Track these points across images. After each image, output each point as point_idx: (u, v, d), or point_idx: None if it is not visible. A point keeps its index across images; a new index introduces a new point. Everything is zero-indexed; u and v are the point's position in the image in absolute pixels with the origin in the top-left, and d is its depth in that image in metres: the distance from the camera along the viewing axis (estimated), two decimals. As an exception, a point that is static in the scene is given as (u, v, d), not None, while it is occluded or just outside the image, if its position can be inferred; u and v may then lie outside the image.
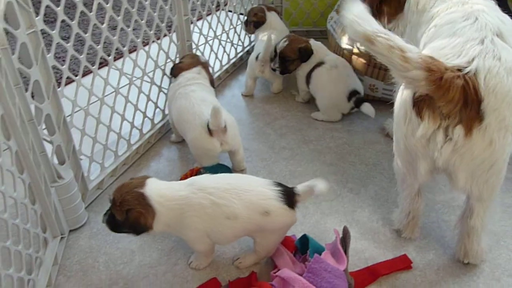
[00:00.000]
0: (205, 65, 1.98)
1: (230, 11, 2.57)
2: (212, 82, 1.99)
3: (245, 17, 2.55)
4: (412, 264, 1.42)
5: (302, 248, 1.43)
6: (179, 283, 1.40)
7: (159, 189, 1.33)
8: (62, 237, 1.54)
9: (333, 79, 2.08)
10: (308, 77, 2.15)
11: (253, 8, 2.51)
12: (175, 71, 1.94)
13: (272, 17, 2.48)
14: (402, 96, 1.24)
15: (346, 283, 1.23)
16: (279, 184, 1.35)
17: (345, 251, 1.33)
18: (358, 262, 1.43)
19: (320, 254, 1.30)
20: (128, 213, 1.28)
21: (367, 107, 2.03)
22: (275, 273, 1.32)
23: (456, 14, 1.30)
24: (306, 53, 2.14)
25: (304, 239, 1.43)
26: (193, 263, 1.44)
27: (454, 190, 1.27)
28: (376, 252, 1.47)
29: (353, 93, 2.06)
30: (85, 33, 1.54)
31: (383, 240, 1.51)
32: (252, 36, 2.82)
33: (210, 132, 1.64)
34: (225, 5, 2.58)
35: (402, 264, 1.42)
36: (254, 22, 2.47)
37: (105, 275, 1.44)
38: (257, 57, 2.26)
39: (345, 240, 1.37)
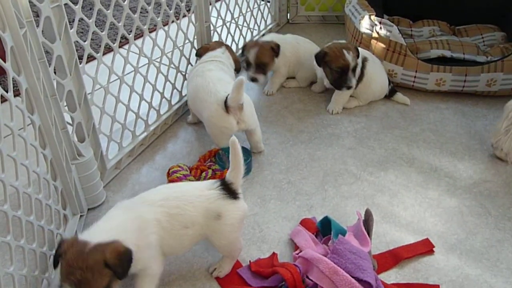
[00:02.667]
0: (229, 47, 2.00)
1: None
2: (237, 62, 1.99)
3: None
4: (434, 249, 1.41)
5: (324, 230, 1.42)
6: (199, 263, 1.39)
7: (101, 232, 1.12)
8: (81, 215, 1.53)
9: (380, 71, 2.09)
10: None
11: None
12: (201, 51, 1.95)
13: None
14: None
15: (371, 264, 1.22)
16: (216, 181, 1.28)
17: (368, 234, 1.32)
18: (379, 246, 1.42)
19: (343, 236, 1.29)
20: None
21: (400, 97, 2.12)
22: (297, 254, 1.31)
23: None
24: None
25: (326, 221, 1.42)
26: None
27: None
28: (397, 235, 1.46)
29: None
30: (107, 10, 1.52)
31: (404, 224, 1.50)
32: (268, 19, 2.80)
33: (226, 109, 1.63)
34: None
35: (424, 248, 1.40)
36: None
37: (125, 253, 1.43)
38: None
39: (367, 222, 1.36)
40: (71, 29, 1.36)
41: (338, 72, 1.93)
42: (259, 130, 1.78)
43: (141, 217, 1.17)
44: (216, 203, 1.24)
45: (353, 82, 1.95)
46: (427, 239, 1.43)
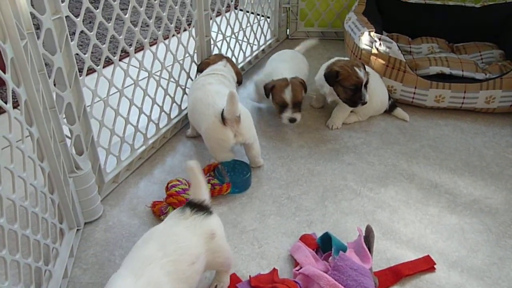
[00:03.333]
0: (230, 60, 2.00)
1: (247, 12, 2.55)
2: (238, 75, 2.00)
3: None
4: (435, 266, 1.39)
5: (324, 246, 1.41)
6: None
7: None
8: (78, 229, 1.51)
9: (380, 86, 2.10)
10: None
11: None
12: (202, 66, 1.96)
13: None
14: None
15: (372, 281, 1.21)
16: (189, 204, 1.23)
17: (369, 250, 1.31)
18: (380, 262, 1.40)
19: (344, 252, 1.27)
20: None
21: (400, 112, 2.13)
22: (298, 270, 1.29)
23: None
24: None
25: (326, 237, 1.41)
26: None
27: None
28: (398, 252, 1.44)
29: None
30: (108, 22, 1.52)
31: (405, 241, 1.48)
32: (268, 34, 2.81)
33: (223, 121, 1.61)
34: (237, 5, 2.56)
35: (426, 265, 1.39)
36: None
37: (122, 269, 1.41)
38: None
39: (368, 239, 1.34)
40: (71, 41, 1.36)
41: (352, 90, 1.92)
42: (257, 144, 1.77)
43: (153, 282, 1.04)
44: (205, 223, 1.19)
45: (367, 97, 1.93)
46: (428, 256, 1.41)
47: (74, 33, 1.40)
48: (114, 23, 1.53)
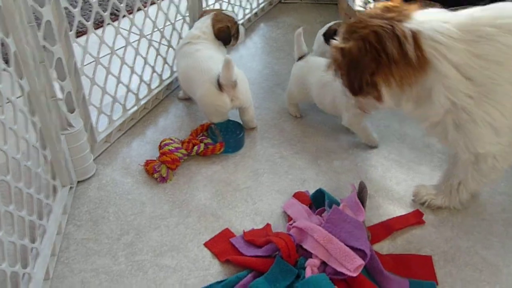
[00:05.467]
0: (216, 14, 1.91)
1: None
2: (219, 31, 1.87)
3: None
4: (426, 221, 1.41)
5: (317, 202, 1.42)
6: (191, 234, 1.38)
7: None
8: (71, 187, 1.51)
9: None
10: None
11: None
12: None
13: None
14: None
15: (365, 233, 1.22)
16: None
17: (362, 205, 1.32)
18: (372, 218, 1.42)
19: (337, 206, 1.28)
20: None
21: None
22: (291, 224, 1.31)
23: None
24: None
25: (319, 193, 1.42)
26: None
27: None
28: (391, 208, 1.46)
29: None
30: (97, -23, 1.49)
31: (397, 198, 1.50)
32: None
33: (220, 87, 1.60)
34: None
35: (415, 219, 1.41)
36: None
37: (116, 225, 1.41)
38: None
39: (361, 194, 1.35)
40: (61, -6, 1.33)
41: None
42: (252, 108, 1.77)
43: None
44: None
45: None
46: (417, 210, 1.43)
47: (63, -14, 1.36)
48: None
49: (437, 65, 1.09)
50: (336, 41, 1.23)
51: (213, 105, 1.65)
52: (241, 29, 1.95)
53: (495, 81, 1.08)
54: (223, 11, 1.93)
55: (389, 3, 1.21)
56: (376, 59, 1.12)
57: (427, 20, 1.12)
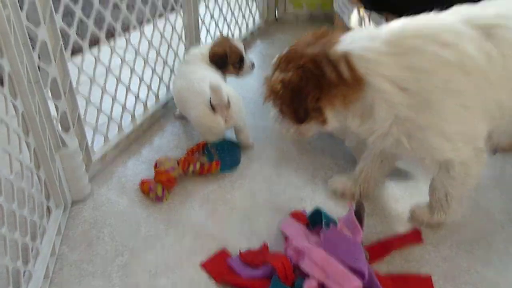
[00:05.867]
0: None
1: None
2: (212, 55, 1.86)
3: None
4: (425, 240, 1.39)
5: (314, 221, 1.40)
6: (187, 255, 1.36)
7: None
8: (65, 208, 1.49)
9: None
10: None
11: None
12: None
13: None
14: None
15: (363, 253, 1.20)
16: None
17: (360, 224, 1.30)
18: (370, 237, 1.40)
19: (334, 225, 1.27)
20: None
21: None
22: (288, 244, 1.29)
23: None
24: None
25: (316, 212, 1.40)
26: None
27: None
28: (388, 227, 1.45)
29: None
30: (93, -3, 1.49)
31: (395, 216, 1.49)
32: (257, 16, 2.78)
33: (213, 108, 1.60)
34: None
35: (414, 238, 1.39)
36: None
37: (110, 246, 1.39)
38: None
39: (359, 213, 1.34)
40: (56, 14, 1.33)
41: None
42: (247, 127, 1.76)
43: None
44: None
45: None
46: (415, 229, 1.42)
47: (59, 6, 1.36)
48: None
49: (371, 81, 1.12)
50: (274, 73, 1.28)
51: (207, 126, 1.65)
52: (247, 61, 1.93)
53: (428, 90, 1.12)
54: (233, 40, 1.93)
55: (320, 31, 1.27)
56: (318, 85, 1.17)
57: (355, 39, 1.16)
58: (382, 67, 1.12)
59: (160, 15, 1.89)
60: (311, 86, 1.18)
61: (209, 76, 1.74)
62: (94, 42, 1.54)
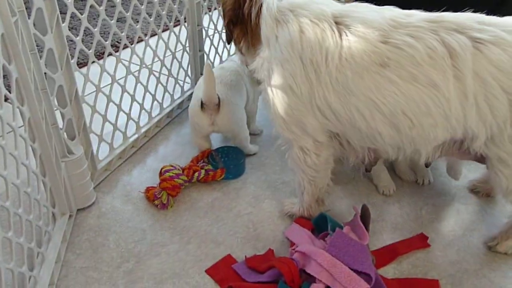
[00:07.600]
0: None
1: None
2: None
3: None
4: (432, 245, 1.39)
5: (319, 227, 1.40)
6: (192, 261, 1.35)
7: None
8: (70, 215, 1.49)
9: None
10: None
11: None
12: None
13: None
14: None
15: (370, 257, 1.20)
16: None
17: (366, 228, 1.30)
18: (376, 242, 1.40)
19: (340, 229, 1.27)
20: None
21: None
22: (294, 249, 1.28)
23: None
24: None
25: (321, 218, 1.40)
26: None
27: None
28: (395, 233, 1.44)
29: None
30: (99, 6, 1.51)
31: (401, 222, 1.48)
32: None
33: (202, 107, 1.60)
34: None
35: (420, 242, 1.39)
36: None
37: (116, 253, 1.39)
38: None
39: (365, 217, 1.34)
40: (63, 23, 1.35)
41: None
42: (241, 137, 1.74)
43: None
44: None
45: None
46: (422, 233, 1.41)
47: (66, 15, 1.38)
48: (106, 12, 1.52)
49: (263, 28, 1.24)
50: None
51: (193, 120, 1.66)
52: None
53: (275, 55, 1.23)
54: None
55: None
56: (236, 15, 1.31)
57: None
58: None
59: (165, 30, 1.90)
60: (231, 13, 1.31)
61: (224, 75, 1.73)
62: (100, 55, 1.56)
